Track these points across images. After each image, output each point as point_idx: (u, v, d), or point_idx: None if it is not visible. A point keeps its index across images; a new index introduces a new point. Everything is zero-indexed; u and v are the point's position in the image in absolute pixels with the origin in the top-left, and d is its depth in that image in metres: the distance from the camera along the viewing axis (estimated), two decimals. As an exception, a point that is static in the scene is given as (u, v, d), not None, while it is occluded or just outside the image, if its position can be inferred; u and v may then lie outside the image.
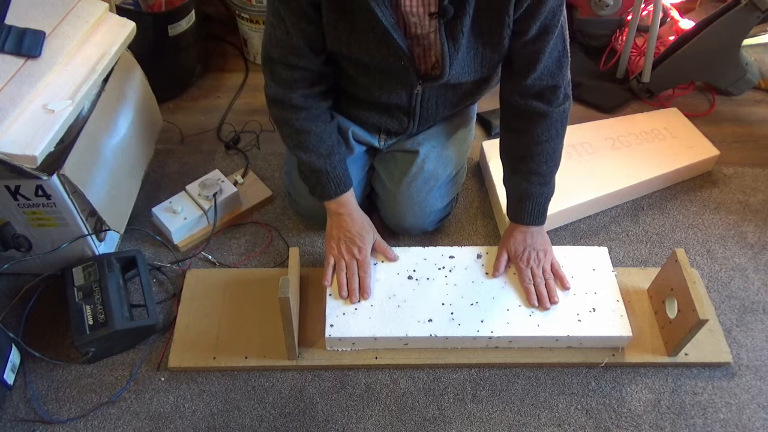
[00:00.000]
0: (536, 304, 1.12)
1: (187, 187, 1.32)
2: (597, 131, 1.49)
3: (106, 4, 1.22)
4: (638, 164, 1.41)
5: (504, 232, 1.22)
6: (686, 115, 1.55)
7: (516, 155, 1.13)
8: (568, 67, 1.05)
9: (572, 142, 1.43)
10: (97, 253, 1.19)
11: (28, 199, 1.06)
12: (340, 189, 1.14)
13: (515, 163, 1.14)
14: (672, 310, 1.11)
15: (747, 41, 1.61)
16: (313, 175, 1.13)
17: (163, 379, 1.09)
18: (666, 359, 1.12)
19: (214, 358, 1.10)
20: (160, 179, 1.43)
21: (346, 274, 1.14)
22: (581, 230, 1.36)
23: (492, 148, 1.42)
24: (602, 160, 1.41)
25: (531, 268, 1.15)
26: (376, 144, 1.27)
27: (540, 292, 1.13)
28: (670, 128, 1.50)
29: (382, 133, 1.26)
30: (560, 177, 1.30)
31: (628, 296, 1.20)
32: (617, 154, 1.43)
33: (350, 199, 1.16)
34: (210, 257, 1.28)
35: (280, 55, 1.03)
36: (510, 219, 1.18)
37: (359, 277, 1.13)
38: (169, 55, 1.57)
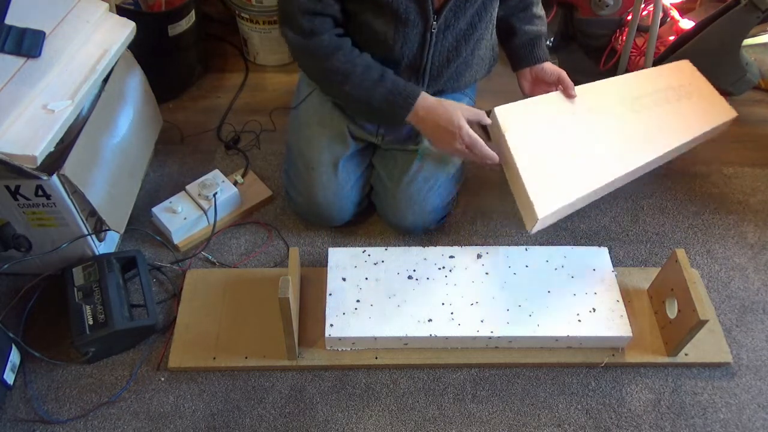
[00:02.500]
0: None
1: (187, 187, 1.32)
2: (604, 95, 1.30)
3: (106, 4, 1.22)
4: (656, 134, 1.27)
5: (522, 81, 1.30)
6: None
7: (519, 7, 1.27)
8: None
9: (576, 110, 1.26)
10: (97, 253, 1.19)
11: (28, 199, 1.06)
12: (412, 96, 1.13)
13: (520, 14, 1.28)
14: (672, 310, 1.11)
15: (747, 41, 1.60)
16: (382, 104, 1.13)
17: (163, 379, 1.09)
18: (666, 359, 1.12)
19: (214, 358, 1.10)
20: (160, 179, 1.43)
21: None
22: (581, 230, 1.36)
23: (508, 114, 1.19)
24: (617, 132, 1.25)
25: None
26: (374, 139, 1.27)
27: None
28: (685, 86, 1.37)
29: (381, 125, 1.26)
30: (571, 159, 1.20)
31: (628, 296, 1.20)
32: (633, 121, 1.27)
33: (425, 99, 1.14)
34: (210, 257, 1.28)
35: (302, 4, 1.05)
36: (528, 64, 1.27)
37: (477, 154, 1.15)
38: (169, 55, 1.57)
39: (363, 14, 1.10)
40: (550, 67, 1.27)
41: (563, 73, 1.26)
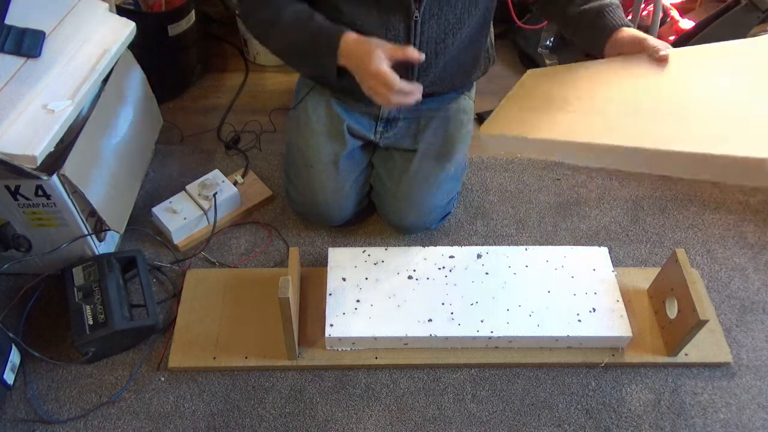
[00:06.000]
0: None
1: (187, 187, 1.32)
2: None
3: (106, 4, 1.22)
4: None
5: (608, 50, 1.12)
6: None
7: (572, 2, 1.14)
8: None
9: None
10: (97, 253, 1.19)
11: (28, 199, 1.06)
12: (337, 34, 1.06)
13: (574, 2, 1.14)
14: (672, 310, 1.11)
15: (747, 41, 1.61)
16: (310, 47, 1.08)
17: (163, 379, 1.09)
18: (666, 359, 1.12)
19: (214, 358, 1.10)
20: (160, 179, 1.43)
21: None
22: (581, 230, 1.36)
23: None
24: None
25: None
26: (372, 136, 1.27)
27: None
28: None
29: (380, 120, 1.26)
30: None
31: (628, 296, 1.20)
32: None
33: (350, 38, 1.06)
34: (210, 257, 1.28)
35: None
36: (609, 34, 1.10)
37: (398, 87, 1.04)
38: (169, 55, 1.57)
39: (342, 6, 1.08)
40: (628, 36, 1.08)
41: (644, 38, 1.04)
